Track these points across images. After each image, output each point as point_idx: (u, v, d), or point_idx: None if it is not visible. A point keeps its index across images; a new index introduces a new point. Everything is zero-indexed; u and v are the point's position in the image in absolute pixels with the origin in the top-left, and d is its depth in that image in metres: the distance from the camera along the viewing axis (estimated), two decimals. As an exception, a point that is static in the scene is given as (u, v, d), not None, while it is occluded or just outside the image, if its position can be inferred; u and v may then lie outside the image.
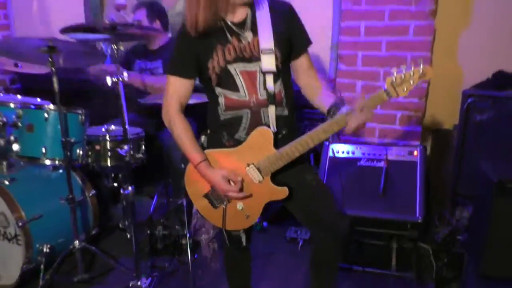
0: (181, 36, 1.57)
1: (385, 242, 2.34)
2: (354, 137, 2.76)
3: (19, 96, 2.55)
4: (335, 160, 2.52)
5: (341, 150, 2.55)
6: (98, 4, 3.51)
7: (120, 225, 2.62)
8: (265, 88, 1.54)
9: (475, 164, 2.15)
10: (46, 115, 2.21)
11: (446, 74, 2.64)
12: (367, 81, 2.71)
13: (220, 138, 1.63)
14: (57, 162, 2.26)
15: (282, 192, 1.57)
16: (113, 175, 2.55)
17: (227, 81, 1.55)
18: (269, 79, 1.53)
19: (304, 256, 2.52)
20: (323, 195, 1.64)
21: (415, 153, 2.43)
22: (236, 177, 1.56)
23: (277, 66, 1.53)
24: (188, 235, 2.42)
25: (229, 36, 1.52)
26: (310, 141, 1.50)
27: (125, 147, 2.01)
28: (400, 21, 2.58)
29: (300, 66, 1.64)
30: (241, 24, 1.53)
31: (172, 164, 2.68)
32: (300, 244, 2.62)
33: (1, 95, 2.60)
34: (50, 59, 2.05)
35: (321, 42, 2.74)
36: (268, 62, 1.51)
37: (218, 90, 1.58)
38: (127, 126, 2.01)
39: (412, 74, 1.39)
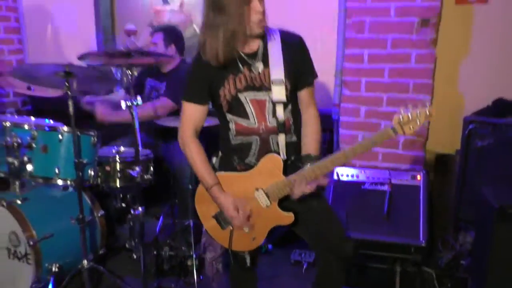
0: (196, 64, 1.63)
1: (388, 266, 2.34)
2: (358, 161, 2.81)
3: (32, 118, 2.61)
4: (339, 183, 2.56)
5: (345, 173, 2.59)
6: (110, 30, 3.63)
7: (127, 245, 2.63)
8: (274, 116, 1.60)
9: (477, 189, 2.16)
10: (60, 136, 2.26)
11: (448, 101, 2.70)
12: (371, 107, 2.77)
13: (232, 162, 1.69)
14: (68, 182, 2.30)
15: (288, 218, 1.62)
16: (121, 195, 2.59)
17: (238, 109, 1.61)
18: (279, 108, 1.59)
19: (308, 278, 2.51)
20: (330, 219, 1.69)
21: (418, 177, 2.47)
22: (245, 207, 1.61)
23: (286, 96, 1.59)
24: (194, 256, 2.44)
25: (241, 66, 1.59)
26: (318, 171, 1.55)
27: (137, 168, 2.07)
28: (402, 49, 2.65)
29: (301, 100, 1.69)
30: (253, 55, 1.60)
31: (179, 185, 2.72)
32: (304, 267, 2.63)
33: (16, 116, 2.66)
34: (66, 84, 2.10)
35: (326, 68, 2.81)
36: (279, 92, 1.57)
37: (229, 116, 1.64)
38: (140, 148, 2.06)
39: (418, 114, 1.44)
